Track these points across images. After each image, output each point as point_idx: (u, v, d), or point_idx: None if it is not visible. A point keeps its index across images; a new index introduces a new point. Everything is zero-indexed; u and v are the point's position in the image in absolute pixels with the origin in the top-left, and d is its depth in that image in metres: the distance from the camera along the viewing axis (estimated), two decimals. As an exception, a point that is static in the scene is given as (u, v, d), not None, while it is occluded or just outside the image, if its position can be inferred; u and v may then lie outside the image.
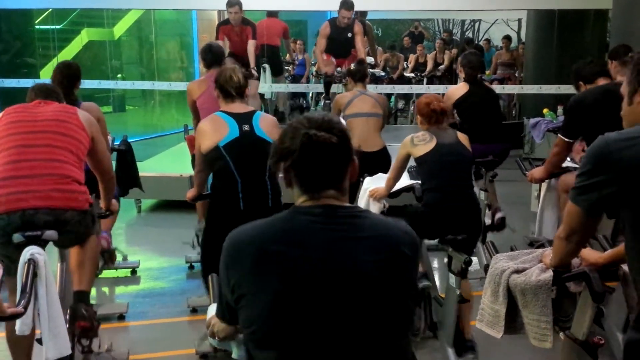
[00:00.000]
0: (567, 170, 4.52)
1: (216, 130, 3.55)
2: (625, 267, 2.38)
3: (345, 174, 1.79)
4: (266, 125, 3.62)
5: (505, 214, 5.26)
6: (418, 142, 3.86)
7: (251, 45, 7.68)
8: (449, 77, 11.99)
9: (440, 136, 3.84)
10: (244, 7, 7.73)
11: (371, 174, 4.79)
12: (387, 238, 1.76)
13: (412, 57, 13.27)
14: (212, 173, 3.69)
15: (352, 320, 1.68)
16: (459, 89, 5.38)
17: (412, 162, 4.10)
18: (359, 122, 5.15)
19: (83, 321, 3.25)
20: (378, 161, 5.09)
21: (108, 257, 4.70)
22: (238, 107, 3.68)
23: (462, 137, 3.93)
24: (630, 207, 1.93)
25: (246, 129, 3.57)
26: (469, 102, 5.22)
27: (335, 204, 1.77)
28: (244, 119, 3.61)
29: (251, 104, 4.78)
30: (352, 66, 5.32)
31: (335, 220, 1.74)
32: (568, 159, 4.58)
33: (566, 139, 4.19)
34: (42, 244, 3.04)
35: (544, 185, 4.90)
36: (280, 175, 1.83)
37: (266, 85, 9.34)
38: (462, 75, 5.50)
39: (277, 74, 9.77)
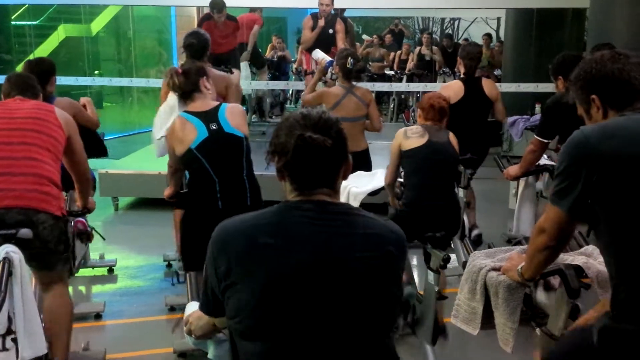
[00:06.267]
0: (544, 168, 4.56)
1: (186, 134, 3.48)
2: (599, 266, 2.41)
3: (339, 173, 1.80)
4: (233, 119, 3.55)
5: (481, 232, 5.28)
6: (411, 134, 3.89)
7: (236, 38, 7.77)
8: (430, 75, 12.05)
9: (433, 134, 3.86)
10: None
11: (351, 172, 4.80)
12: (376, 236, 1.77)
13: (393, 54, 13.32)
14: (188, 173, 3.65)
15: (337, 315, 1.69)
16: (456, 90, 5.20)
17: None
18: (345, 126, 5.07)
19: None
20: (359, 161, 5.09)
21: (85, 238, 4.62)
22: (201, 105, 3.59)
23: (453, 139, 3.95)
24: (606, 200, 1.95)
25: (214, 127, 3.49)
26: (463, 107, 5.11)
27: (326, 200, 1.78)
28: (209, 116, 3.53)
29: (235, 98, 4.71)
30: (350, 61, 5.15)
31: (326, 215, 1.75)
32: (545, 156, 4.61)
33: (541, 139, 4.23)
34: (17, 243, 3.00)
35: (522, 182, 4.94)
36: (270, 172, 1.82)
37: (246, 82, 9.32)
38: (461, 68, 5.36)
39: (260, 66, 9.77)
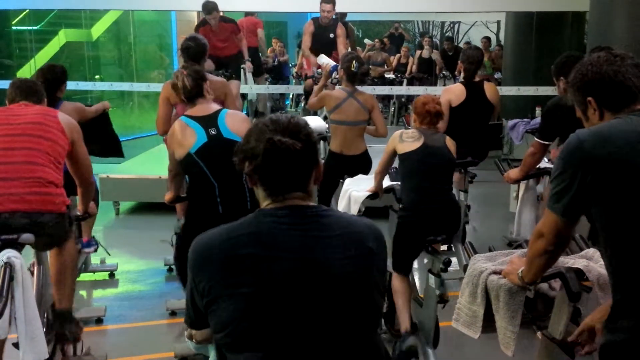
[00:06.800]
0: (545, 171, 4.56)
1: (185, 138, 3.49)
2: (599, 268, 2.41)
3: (310, 177, 1.79)
4: (234, 124, 3.54)
5: (469, 203, 5.19)
6: (406, 138, 3.87)
7: (242, 40, 7.83)
8: (430, 79, 12.06)
9: (429, 137, 3.85)
10: (224, 8, 7.72)
11: (351, 175, 4.81)
12: (354, 235, 1.78)
13: (394, 58, 13.34)
14: (188, 177, 3.65)
15: (326, 318, 1.69)
16: (458, 94, 5.18)
17: (394, 164, 4.11)
18: (344, 129, 5.13)
19: (68, 342, 3.31)
20: (359, 164, 5.11)
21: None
22: (202, 109, 3.60)
23: (450, 142, 3.94)
24: (602, 204, 1.95)
25: (213, 132, 3.49)
26: (464, 111, 5.10)
27: (301, 204, 1.77)
28: (209, 121, 3.53)
29: (233, 106, 4.71)
30: (354, 64, 5.18)
31: (303, 220, 1.75)
32: (545, 159, 4.62)
33: (542, 142, 4.23)
34: (19, 247, 3.01)
35: (522, 185, 4.93)
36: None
37: (247, 86, 9.34)
38: (462, 71, 5.39)
39: (257, 74, 9.77)
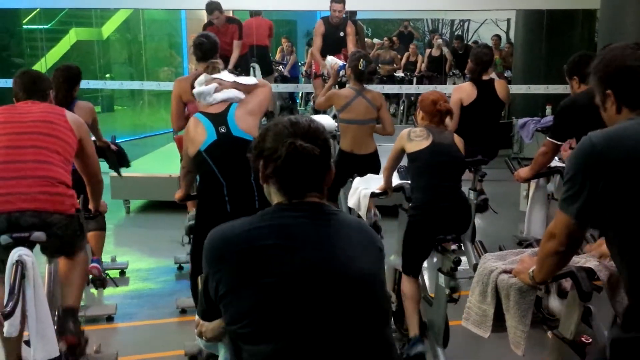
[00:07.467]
0: (556, 170, 4.54)
1: (197, 135, 3.51)
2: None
3: (324, 180, 1.85)
4: (243, 121, 3.55)
5: (488, 197, 5.21)
6: (415, 137, 3.84)
7: (236, 46, 7.68)
8: (440, 77, 12.03)
9: (437, 136, 3.81)
10: (233, 7, 7.70)
11: (361, 174, 4.81)
12: (367, 234, 1.88)
13: (402, 57, 13.32)
14: (199, 176, 3.67)
15: (343, 311, 1.74)
16: (469, 92, 5.19)
17: (402, 162, 4.10)
18: (353, 128, 5.15)
19: (70, 335, 3.23)
20: (369, 163, 5.11)
21: (100, 284, 4.74)
22: (214, 106, 3.62)
23: (458, 140, 3.92)
24: (614, 207, 1.94)
25: (222, 130, 3.51)
26: (475, 109, 5.10)
27: (318, 201, 1.83)
28: (219, 119, 3.54)
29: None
30: (362, 63, 5.14)
31: (322, 216, 1.81)
32: (556, 158, 4.59)
33: (554, 141, 4.20)
34: (30, 245, 3.02)
35: (533, 184, 4.91)
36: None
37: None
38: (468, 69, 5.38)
39: (267, 74, 9.77)
